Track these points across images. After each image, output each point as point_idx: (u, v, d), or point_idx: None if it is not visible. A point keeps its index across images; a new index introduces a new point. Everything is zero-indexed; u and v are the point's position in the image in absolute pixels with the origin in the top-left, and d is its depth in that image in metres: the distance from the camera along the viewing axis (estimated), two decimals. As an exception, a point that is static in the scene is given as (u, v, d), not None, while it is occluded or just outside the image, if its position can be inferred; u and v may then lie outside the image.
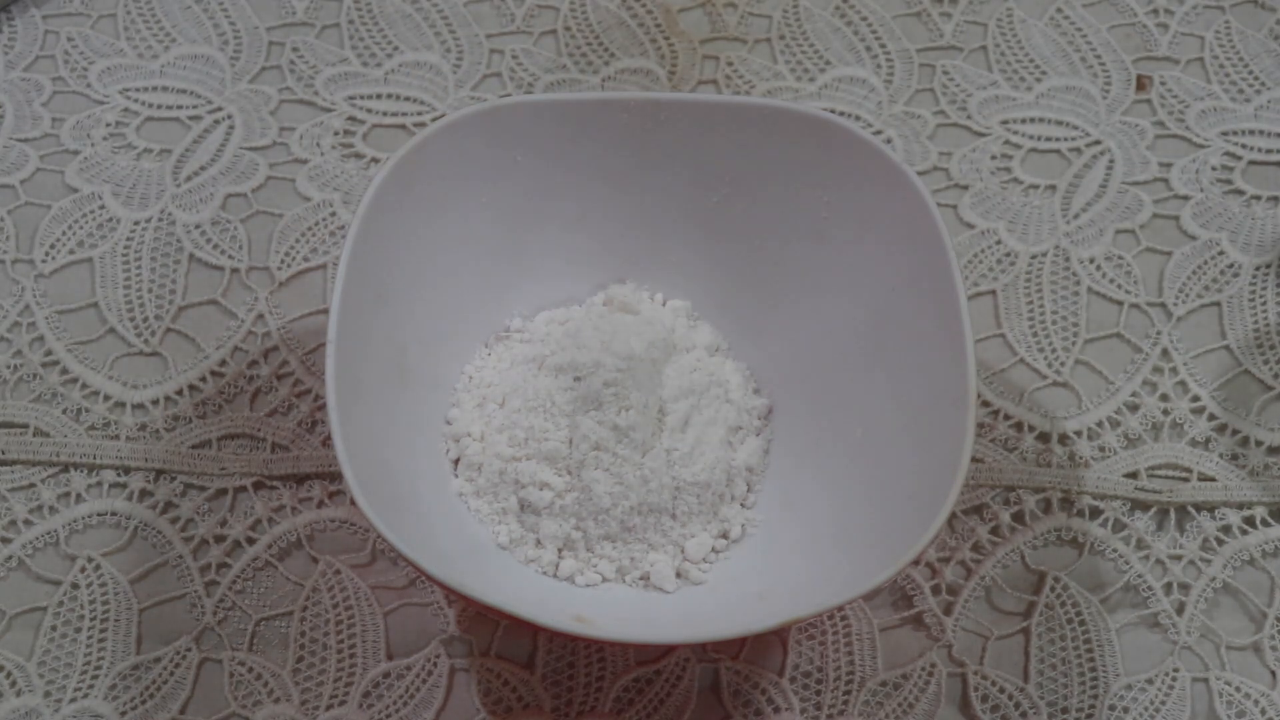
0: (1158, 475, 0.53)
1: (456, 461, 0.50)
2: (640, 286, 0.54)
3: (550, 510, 0.48)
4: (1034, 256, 0.57)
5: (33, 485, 0.51)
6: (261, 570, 0.50)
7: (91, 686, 0.48)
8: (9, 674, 0.48)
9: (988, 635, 0.50)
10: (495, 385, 0.51)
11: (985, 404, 0.54)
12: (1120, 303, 0.56)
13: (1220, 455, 0.53)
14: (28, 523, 0.50)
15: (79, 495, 0.51)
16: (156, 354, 0.54)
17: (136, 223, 0.57)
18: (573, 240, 0.53)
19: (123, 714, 0.47)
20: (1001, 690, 0.49)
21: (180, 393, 0.53)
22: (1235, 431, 0.53)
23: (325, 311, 0.55)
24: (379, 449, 0.46)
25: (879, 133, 0.60)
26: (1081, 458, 0.53)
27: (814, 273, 0.51)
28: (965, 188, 0.59)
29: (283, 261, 0.56)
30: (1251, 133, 0.60)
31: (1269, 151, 0.60)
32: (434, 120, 0.54)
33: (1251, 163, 0.59)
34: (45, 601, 0.49)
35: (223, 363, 0.54)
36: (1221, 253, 0.57)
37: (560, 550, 0.48)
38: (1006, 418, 0.53)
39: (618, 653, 0.49)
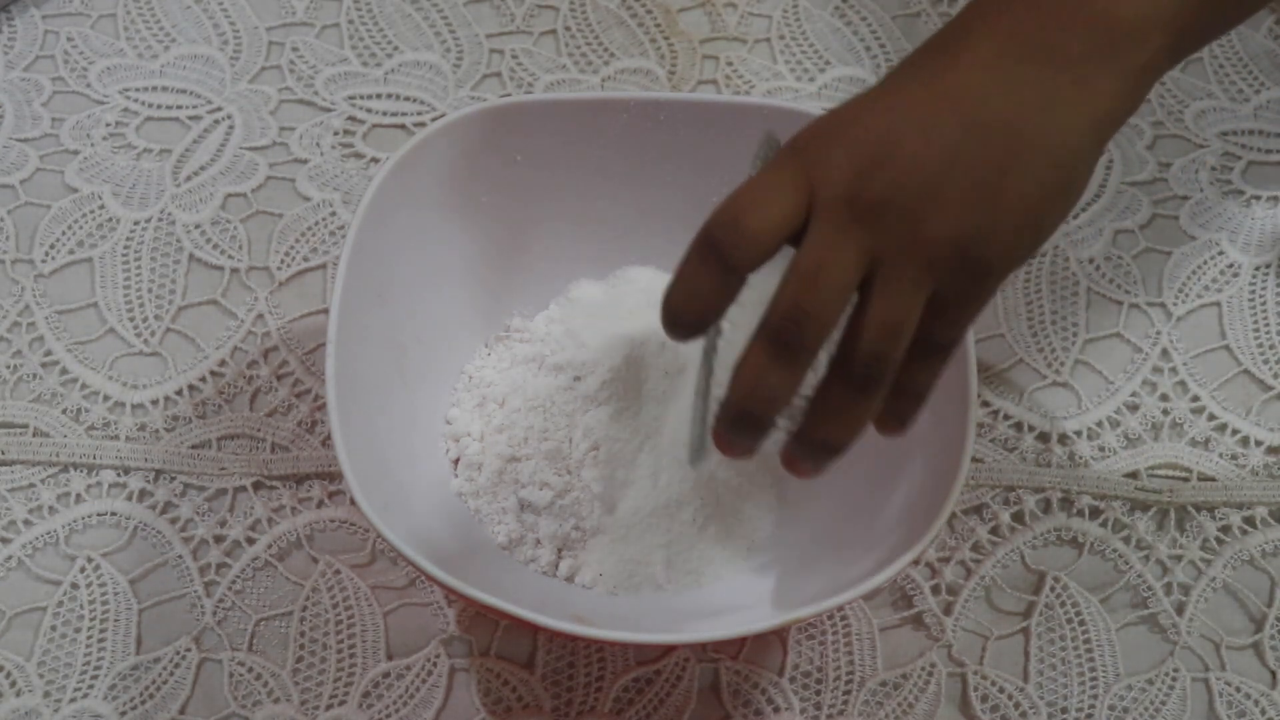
0: (1158, 475, 0.53)
1: (456, 461, 0.50)
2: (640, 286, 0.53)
3: (550, 510, 0.48)
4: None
5: (33, 485, 0.51)
6: (261, 570, 0.50)
7: (91, 687, 0.48)
8: (9, 674, 0.48)
9: (987, 635, 0.50)
10: (495, 385, 0.51)
11: (985, 404, 0.54)
12: (1120, 303, 0.56)
13: (1220, 455, 0.53)
14: (28, 523, 0.50)
15: (79, 495, 0.51)
16: (156, 354, 0.54)
17: (136, 223, 0.57)
18: (573, 240, 0.53)
19: (122, 714, 0.47)
20: (1001, 690, 0.49)
21: (180, 393, 0.53)
22: (1235, 431, 0.53)
23: (325, 311, 0.55)
24: (379, 449, 0.46)
25: (879, 133, 0.60)
26: (1081, 458, 0.53)
27: (814, 273, 0.51)
28: (965, 188, 0.59)
29: (283, 261, 0.56)
30: (1250, 133, 0.60)
31: (1268, 151, 0.60)
32: (434, 120, 0.54)
33: (1251, 163, 0.59)
34: (45, 601, 0.49)
35: (222, 363, 0.54)
36: (1221, 253, 0.57)
37: (560, 550, 0.48)
38: (1006, 418, 0.53)
39: (617, 653, 0.49)
